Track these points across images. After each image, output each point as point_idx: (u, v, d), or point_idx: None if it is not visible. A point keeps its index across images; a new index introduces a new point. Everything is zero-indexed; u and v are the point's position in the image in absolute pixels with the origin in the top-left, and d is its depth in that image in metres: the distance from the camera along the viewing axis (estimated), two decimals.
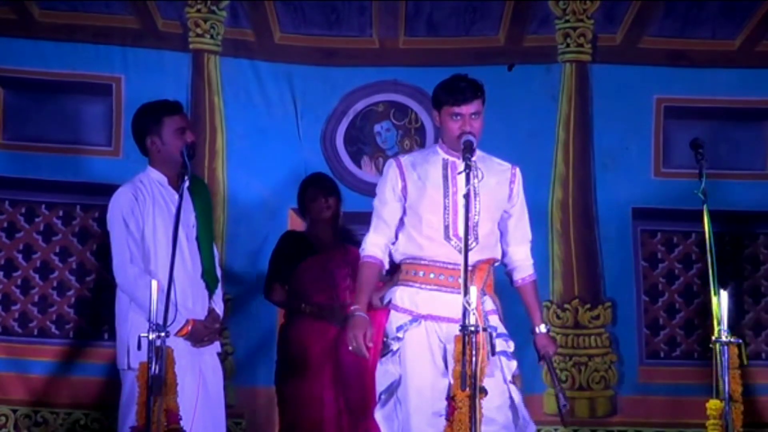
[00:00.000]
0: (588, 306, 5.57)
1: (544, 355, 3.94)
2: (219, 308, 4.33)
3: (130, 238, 4.12)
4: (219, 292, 4.36)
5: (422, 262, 3.88)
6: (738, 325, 4.59)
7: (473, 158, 3.69)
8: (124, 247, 4.12)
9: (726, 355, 3.54)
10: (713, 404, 3.53)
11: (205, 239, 4.26)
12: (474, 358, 3.34)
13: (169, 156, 4.15)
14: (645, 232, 5.64)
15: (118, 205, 4.16)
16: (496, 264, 3.97)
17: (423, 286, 3.86)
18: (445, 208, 3.83)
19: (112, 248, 4.17)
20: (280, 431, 4.98)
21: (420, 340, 3.83)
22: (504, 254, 4.00)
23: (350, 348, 3.82)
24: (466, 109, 3.83)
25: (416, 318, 3.85)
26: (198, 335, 4.17)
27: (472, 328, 3.36)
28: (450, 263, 3.79)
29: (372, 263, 3.92)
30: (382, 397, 3.86)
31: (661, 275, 5.63)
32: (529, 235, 4.03)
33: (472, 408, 3.33)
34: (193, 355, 4.16)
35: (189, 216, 4.23)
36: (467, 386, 3.33)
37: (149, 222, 4.14)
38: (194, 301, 4.20)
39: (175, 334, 4.06)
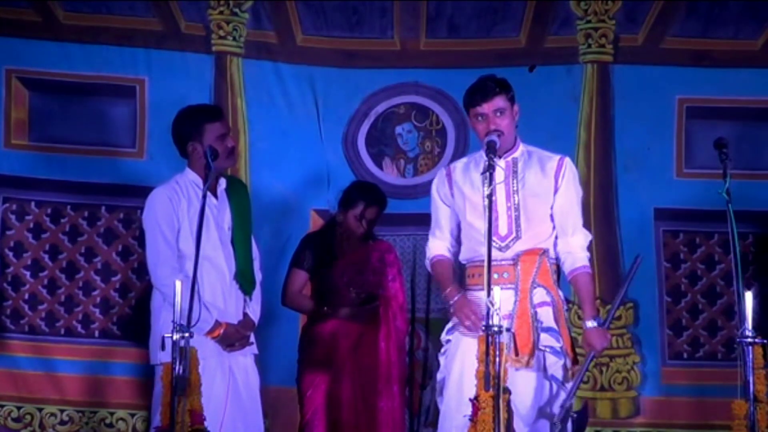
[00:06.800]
0: (610, 307, 5.54)
1: (587, 352, 3.86)
2: (254, 314, 4.34)
3: (163, 238, 4.16)
4: (258, 297, 4.38)
5: (472, 264, 3.95)
6: (764, 327, 4.55)
7: (515, 154, 3.88)
8: (157, 247, 4.17)
9: (750, 355, 3.53)
10: (738, 405, 3.52)
11: (240, 240, 4.29)
12: (497, 359, 3.35)
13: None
14: (667, 233, 5.62)
15: (152, 206, 4.21)
16: (549, 256, 3.91)
17: (472, 287, 3.94)
18: (485, 209, 3.85)
19: (147, 248, 4.23)
20: (300, 429, 5.00)
21: (463, 343, 3.88)
22: (555, 246, 3.95)
23: (466, 325, 3.81)
24: (487, 107, 3.85)
25: None
26: (229, 339, 4.19)
27: (496, 329, 3.37)
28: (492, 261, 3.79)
29: (440, 261, 4.02)
30: (438, 387, 4.00)
31: (684, 276, 5.61)
32: (580, 226, 3.94)
33: (496, 408, 3.34)
34: (222, 356, 4.19)
35: (225, 217, 4.28)
36: (491, 387, 3.35)
37: (184, 223, 4.17)
38: (226, 301, 4.23)
39: (205, 334, 4.10)
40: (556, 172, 3.91)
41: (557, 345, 3.84)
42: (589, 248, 3.99)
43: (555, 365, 3.83)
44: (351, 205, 5.01)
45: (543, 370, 3.83)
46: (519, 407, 3.57)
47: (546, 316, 3.86)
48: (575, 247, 3.92)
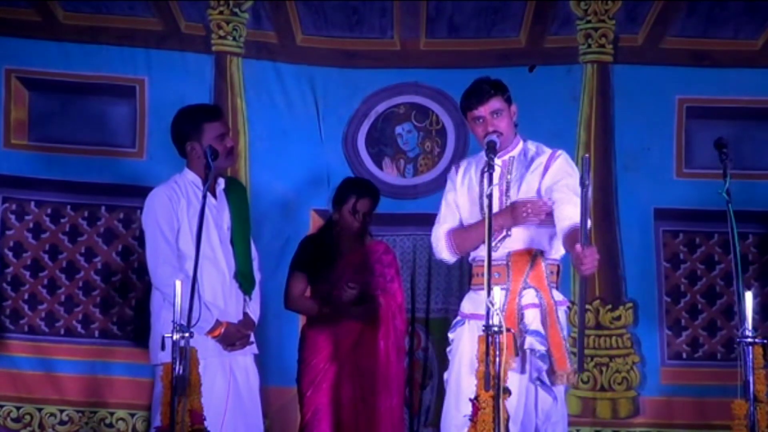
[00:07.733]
0: (609, 307, 5.56)
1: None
2: (254, 313, 4.35)
3: (163, 238, 4.16)
4: (256, 296, 4.39)
5: (474, 263, 3.97)
6: (764, 327, 4.56)
7: (513, 153, 3.88)
8: (157, 247, 4.17)
9: (750, 355, 3.53)
10: (738, 405, 3.53)
11: (239, 240, 4.30)
12: (497, 359, 3.35)
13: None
14: (667, 233, 5.62)
15: (152, 206, 4.21)
16: (546, 257, 3.88)
17: (472, 287, 3.96)
18: (482, 208, 3.86)
19: (147, 248, 4.23)
20: (300, 429, 5.01)
21: (461, 341, 3.90)
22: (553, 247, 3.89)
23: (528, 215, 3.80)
24: (484, 109, 3.86)
25: (463, 319, 3.95)
26: (230, 338, 4.20)
27: (496, 328, 3.37)
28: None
29: (455, 228, 3.99)
30: (446, 387, 4.01)
31: (684, 276, 5.61)
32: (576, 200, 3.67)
33: (496, 408, 3.34)
34: (223, 356, 4.19)
35: (224, 217, 4.28)
36: (490, 387, 3.35)
37: (184, 222, 4.18)
38: (226, 301, 4.23)
39: (206, 334, 4.10)
40: (546, 166, 3.86)
41: (542, 348, 3.78)
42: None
43: (539, 369, 3.80)
44: (343, 200, 5.02)
45: (528, 372, 3.80)
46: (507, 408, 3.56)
47: (533, 318, 3.81)
48: (573, 215, 3.64)
